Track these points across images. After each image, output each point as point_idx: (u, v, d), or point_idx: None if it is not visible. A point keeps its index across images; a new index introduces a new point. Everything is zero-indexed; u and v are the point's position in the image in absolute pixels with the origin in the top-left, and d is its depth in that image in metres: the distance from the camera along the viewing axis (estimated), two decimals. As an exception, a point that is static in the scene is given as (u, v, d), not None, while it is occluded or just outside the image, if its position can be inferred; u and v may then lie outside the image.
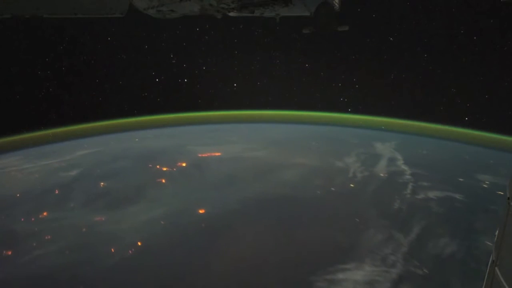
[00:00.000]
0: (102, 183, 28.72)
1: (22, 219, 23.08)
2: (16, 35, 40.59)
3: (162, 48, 51.48)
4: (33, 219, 23.22)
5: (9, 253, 19.57)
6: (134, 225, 21.40)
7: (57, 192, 27.54)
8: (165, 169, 31.41)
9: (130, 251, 18.89)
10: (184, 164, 32.49)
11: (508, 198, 3.01)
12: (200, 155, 35.43)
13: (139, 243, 19.50)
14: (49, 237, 20.78)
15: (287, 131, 50.85)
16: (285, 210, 22.68)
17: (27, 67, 44.93)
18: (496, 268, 3.03)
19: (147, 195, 25.44)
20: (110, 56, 49.39)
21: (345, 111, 55.85)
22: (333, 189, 26.47)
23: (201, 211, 22.88)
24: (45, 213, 23.91)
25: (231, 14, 4.71)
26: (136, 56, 51.52)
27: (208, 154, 35.61)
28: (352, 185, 27.32)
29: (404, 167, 31.75)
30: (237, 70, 56.25)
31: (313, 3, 4.66)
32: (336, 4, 5.00)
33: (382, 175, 29.73)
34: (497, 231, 3.16)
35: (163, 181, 28.48)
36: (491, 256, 3.18)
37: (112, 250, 18.90)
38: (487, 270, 3.23)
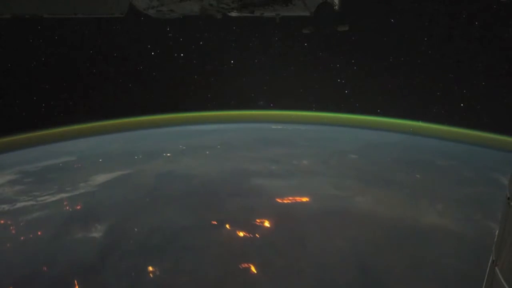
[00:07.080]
0: (150, 269, 17.68)
1: None
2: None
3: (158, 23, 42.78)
4: None
5: None
6: None
7: (78, 290, 16.53)
8: (241, 234, 20.35)
9: None
10: (266, 223, 21.43)
11: (508, 198, 2.90)
12: (279, 200, 24.33)
13: None
14: None
15: (354, 144, 39.76)
16: None
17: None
18: (496, 268, 2.93)
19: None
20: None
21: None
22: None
23: None
24: None
25: (232, 14, 4.67)
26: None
27: (291, 199, 24.53)
28: None
29: None
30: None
31: (313, 3, 4.58)
32: (336, 4, 4.77)
33: None
34: (497, 231, 3.05)
35: (253, 269, 17.47)
36: (491, 256, 3.06)
37: None
38: (487, 270, 3.13)
